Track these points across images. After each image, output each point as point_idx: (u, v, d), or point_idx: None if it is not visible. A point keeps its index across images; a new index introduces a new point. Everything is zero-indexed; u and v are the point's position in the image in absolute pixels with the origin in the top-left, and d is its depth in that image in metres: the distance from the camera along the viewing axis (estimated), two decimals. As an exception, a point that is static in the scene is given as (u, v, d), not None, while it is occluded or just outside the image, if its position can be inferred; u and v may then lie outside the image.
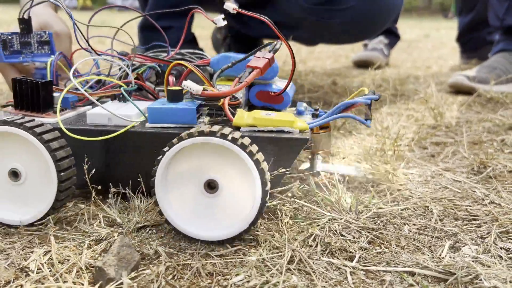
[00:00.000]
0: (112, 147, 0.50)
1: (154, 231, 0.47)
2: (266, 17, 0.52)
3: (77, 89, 0.53)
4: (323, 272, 0.41)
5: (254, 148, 0.42)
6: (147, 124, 0.49)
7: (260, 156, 0.42)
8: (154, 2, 1.13)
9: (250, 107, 0.59)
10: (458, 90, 1.26)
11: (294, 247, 0.44)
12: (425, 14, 10.16)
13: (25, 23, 0.62)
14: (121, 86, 0.54)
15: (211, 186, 0.44)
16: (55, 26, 0.71)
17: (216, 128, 0.42)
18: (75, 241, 0.45)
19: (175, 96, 0.50)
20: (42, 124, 0.46)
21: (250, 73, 0.50)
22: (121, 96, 0.55)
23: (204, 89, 0.48)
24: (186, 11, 0.62)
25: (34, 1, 0.59)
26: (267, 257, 0.43)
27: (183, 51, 0.70)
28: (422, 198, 0.58)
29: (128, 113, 0.50)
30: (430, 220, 0.52)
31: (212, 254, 0.43)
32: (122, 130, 0.48)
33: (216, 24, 0.56)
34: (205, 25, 2.49)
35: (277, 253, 0.44)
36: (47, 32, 0.64)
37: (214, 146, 0.43)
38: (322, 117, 0.52)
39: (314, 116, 0.57)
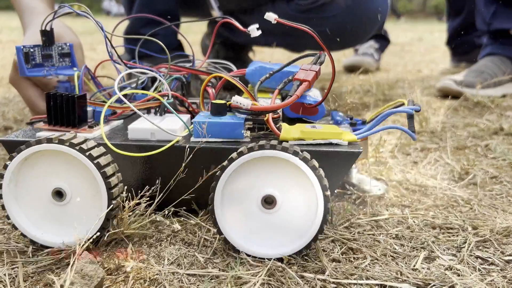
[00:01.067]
0: (156, 162, 0.48)
1: (123, 245, 0.47)
2: (309, 28, 0.50)
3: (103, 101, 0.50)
4: (293, 286, 0.40)
5: (315, 162, 0.41)
6: (192, 139, 0.48)
7: (322, 171, 0.41)
8: (139, 8, 1.13)
9: (284, 119, 0.57)
10: (446, 94, 1.25)
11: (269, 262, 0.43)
12: (419, 17, 10.21)
13: (47, 35, 0.59)
14: (157, 98, 0.52)
15: (268, 201, 0.43)
16: (66, 37, 0.70)
17: (275, 142, 0.41)
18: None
19: (220, 110, 0.48)
20: (88, 140, 0.43)
21: (298, 86, 0.48)
22: (157, 109, 0.53)
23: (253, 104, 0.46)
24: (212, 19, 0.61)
25: (57, 13, 0.57)
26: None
27: (208, 61, 0.68)
28: (401, 207, 0.57)
29: (172, 127, 0.48)
30: (408, 229, 0.51)
31: (180, 270, 0.42)
32: (169, 145, 0.46)
33: (250, 34, 0.55)
34: (197, 30, 2.49)
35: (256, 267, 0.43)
36: (67, 44, 0.62)
37: (271, 160, 0.42)
38: (369, 128, 0.50)
39: (352, 125, 0.56)
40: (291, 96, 0.47)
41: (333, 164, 0.46)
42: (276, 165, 0.42)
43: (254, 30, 0.55)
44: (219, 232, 0.43)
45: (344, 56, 2.26)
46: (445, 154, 0.77)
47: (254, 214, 0.43)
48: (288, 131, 0.48)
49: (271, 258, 0.43)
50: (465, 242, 0.48)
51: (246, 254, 0.43)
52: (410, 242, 0.48)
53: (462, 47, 1.80)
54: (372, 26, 1.11)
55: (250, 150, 0.41)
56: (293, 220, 0.43)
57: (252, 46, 1.51)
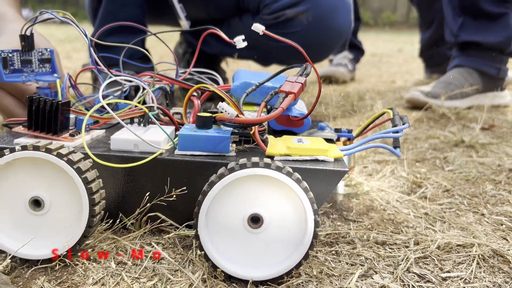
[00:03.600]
0: (138, 175, 0.47)
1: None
2: (293, 42, 0.50)
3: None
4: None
5: (298, 175, 0.40)
6: (176, 151, 0.47)
7: (305, 183, 0.40)
8: (103, 18, 1.12)
9: (269, 131, 0.57)
10: (414, 105, 1.26)
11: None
12: (403, 28, 10.33)
13: (27, 40, 0.58)
14: (142, 109, 0.51)
15: (254, 220, 0.41)
16: (40, 45, 0.68)
17: (267, 160, 0.40)
18: None
19: (205, 123, 0.47)
20: (74, 151, 0.42)
21: (284, 98, 0.48)
22: (141, 119, 0.52)
23: (237, 116, 0.45)
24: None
25: (37, 18, 0.55)
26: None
27: (192, 70, 0.68)
28: (346, 221, 0.56)
29: (156, 139, 0.47)
30: (349, 244, 0.50)
31: (106, 288, 0.41)
32: (152, 157, 0.45)
33: (235, 45, 0.54)
34: (170, 39, 2.48)
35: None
36: (48, 49, 0.60)
37: (255, 176, 0.40)
38: (354, 145, 0.49)
39: (337, 131, 0.57)
40: (276, 108, 0.46)
41: (318, 181, 0.45)
42: (261, 182, 0.41)
43: (240, 42, 0.55)
44: (206, 257, 0.41)
45: (320, 67, 2.27)
46: (402, 166, 0.76)
47: (241, 234, 0.41)
48: (274, 146, 0.47)
49: (260, 281, 0.41)
50: (405, 259, 0.47)
51: (232, 277, 0.41)
52: (350, 259, 0.47)
53: (434, 59, 1.81)
54: (334, 43, 1.11)
55: (243, 166, 0.40)
56: (283, 238, 0.41)
57: (224, 58, 1.51)
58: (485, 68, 1.28)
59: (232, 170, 0.40)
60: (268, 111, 0.56)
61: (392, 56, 3.24)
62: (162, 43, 0.67)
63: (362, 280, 0.43)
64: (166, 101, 0.62)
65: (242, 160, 0.40)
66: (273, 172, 0.40)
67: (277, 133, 0.56)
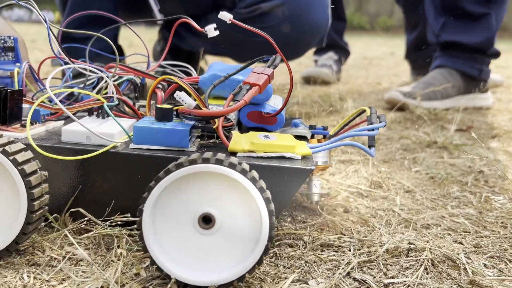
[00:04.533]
0: (90, 169, 0.44)
1: None
2: (265, 33, 0.48)
3: (50, 101, 0.47)
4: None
5: (255, 173, 0.37)
6: (131, 145, 0.44)
7: (261, 182, 0.37)
8: (72, 10, 1.08)
9: (239, 127, 0.54)
10: (393, 105, 1.22)
11: None
12: (399, 32, 10.32)
13: None
14: (100, 100, 0.49)
15: (206, 220, 0.38)
16: (4, 32, 0.65)
17: (209, 154, 0.37)
18: None
19: (165, 115, 0.45)
20: (13, 142, 0.39)
21: (248, 90, 0.45)
22: (100, 111, 0.50)
23: (196, 107, 0.43)
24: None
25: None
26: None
27: (163, 63, 0.66)
28: (295, 222, 0.53)
29: (109, 132, 0.44)
30: (292, 247, 0.47)
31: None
32: (103, 150, 0.42)
33: (207, 34, 0.52)
34: (149, 39, 2.45)
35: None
36: (12, 37, 0.58)
37: (207, 174, 0.37)
38: (325, 143, 0.46)
39: (312, 127, 0.54)
40: (238, 101, 0.43)
41: (283, 179, 0.42)
42: (214, 180, 0.37)
43: (211, 30, 0.52)
44: (152, 262, 0.37)
45: (304, 67, 2.24)
46: (367, 167, 0.73)
47: (192, 237, 0.38)
48: (237, 142, 0.44)
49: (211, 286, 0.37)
50: (348, 263, 0.44)
51: (178, 281, 0.37)
52: (288, 262, 0.44)
53: (420, 60, 1.78)
54: (311, 38, 1.08)
55: (192, 162, 0.36)
56: (236, 240, 0.38)
57: (204, 55, 1.48)
58: (467, 69, 1.25)
59: (180, 165, 0.36)
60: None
61: (383, 59, 3.21)
62: (139, 42, 0.64)
63: (294, 286, 0.40)
64: (135, 93, 0.60)
65: (194, 156, 0.37)
66: (226, 170, 0.36)
67: (252, 131, 0.52)
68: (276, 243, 0.47)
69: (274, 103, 0.55)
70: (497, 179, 0.70)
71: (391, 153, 0.82)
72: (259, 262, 0.37)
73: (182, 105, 0.43)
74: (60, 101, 0.57)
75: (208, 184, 0.37)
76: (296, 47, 1.10)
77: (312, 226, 0.52)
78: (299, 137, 0.51)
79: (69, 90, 0.55)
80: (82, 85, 0.57)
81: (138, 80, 0.58)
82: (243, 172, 0.36)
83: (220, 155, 0.37)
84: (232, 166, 0.36)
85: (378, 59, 3.17)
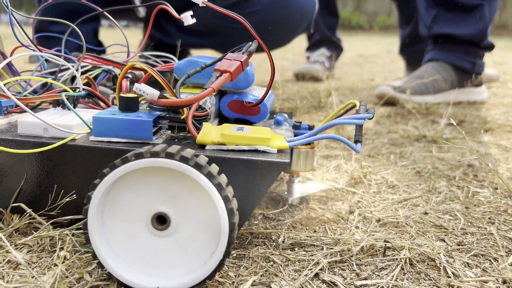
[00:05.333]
0: (47, 163, 0.41)
1: None
2: (241, 17, 0.45)
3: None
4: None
5: (213, 168, 0.33)
6: (91, 137, 0.41)
7: (223, 178, 0.33)
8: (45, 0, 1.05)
9: (222, 119, 0.51)
10: (384, 100, 1.19)
11: None
12: (398, 31, 10.28)
13: None
14: (66, 90, 0.47)
15: (160, 220, 0.34)
16: None
17: (160, 147, 0.33)
18: None
19: (129, 105, 0.41)
20: None
21: (218, 77, 0.42)
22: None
23: (162, 97, 0.40)
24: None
25: None
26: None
27: (146, 53, 0.64)
28: (265, 219, 0.49)
29: (67, 123, 0.41)
30: (259, 246, 0.43)
31: None
32: (58, 144, 0.39)
33: (183, 21, 0.50)
34: (134, 37, 2.42)
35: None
36: None
37: (160, 169, 0.33)
38: (304, 136, 0.43)
39: (296, 127, 0.50)
40: (206, 89, 0.40)
41: (254, 174, 0.39)
42: (168, 176, 0.34)
43: (187, 17, 0.50)
44: (94, 256, 0.34)
45: (298, 65, 2.21)
46: (350, 162, 0.69)
47: (143, 237, 0.34)
48: (207, 133, 0.40)
49: None
50: (317, 263, 0.40)
51: (123, 284, 0.34)
52: (253, 263, 0.40)
53: (414, 56, 1.74)
54: (297, 23, 1.05)
55: (139, 156, 0.33)
56: (193, 244, 0.34)
57: (188, 50, 1.45)
58: (459, 62, 1.22)
59: (126, 160, 0.33)
60: (223, 95, 0.50)
61: (380, 57, 3.17)
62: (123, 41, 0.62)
63: (255, 289, 0.36)
64: (113, 85, 0.58)
65: (144, 149, 0.33)
66: (176, 164, 0.32)
67: (235, 123, 0.49)
68: (245, 243, 0.44)
69: (259, 93, 0.51)
70: (487, 174, 0.66)
71: (377, 148, 0.78)
72: (210, 277, 0.33)
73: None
74: (34, 91, 0.54)
75: (167, 181, 0.34)
76: (283, 33, 1.06)
77: (284, 224, 0.48)
78: None
79: (25, 77, 0.53)
80: (54, 76, 0.55)
81: (117, 71, 0.56)
82: (197, 166, 0.32)
83: (173, 148, 0.33)
84: (184, 160, 0.32)
85: (374, 56, 3.13)
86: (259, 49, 0.50)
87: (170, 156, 0.32)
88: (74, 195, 0.41)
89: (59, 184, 0.42)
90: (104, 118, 0.40)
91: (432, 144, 0.81)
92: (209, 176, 0.32)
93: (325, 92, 1.36)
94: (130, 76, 0.51)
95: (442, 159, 0.73)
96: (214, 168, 0.33)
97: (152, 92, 0.40)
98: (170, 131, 0.45)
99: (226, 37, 1.09)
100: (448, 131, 0.89)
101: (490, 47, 1.24)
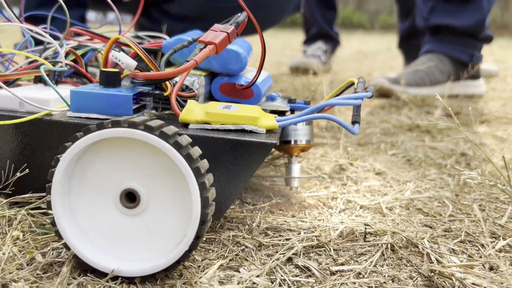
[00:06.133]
0: (24, 139, 0.39)
1: None
2: None
3: None
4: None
5: (195, 151, 0.30)
6: (69, 113, 0.39)
7: (203, 164, 0.30)
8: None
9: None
10: (380, 93, 1.16)
11: None
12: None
13: None
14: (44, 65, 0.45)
15: (130, 198, 0.32)
16: None
17: (140, 118, 0.30)
18: None
19: (110, 80, 0.39)
20: None
21: (201, 49, 0.39)
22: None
23: (139, 69, 0.38)
24: None
25: None
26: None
27: (140, 34, 0.62)
28: (242, 204, 0.46)
29: (44, 98, 0.39)
30: (233, 230, 0.41)
31: None
32: (30, 118, 0.38)
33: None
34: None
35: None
36: None
37: (139, 144, 0.31)
38: (296, 115, 0.40)
39: (291, 102, 0.48)
40: (188, 61, 0.38)
41: (240, 155, 0.37)
42: (136, 148, 0.31)
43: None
44: (58, 235, 0.31)
45: (292, 58, 2.18)
46: (338, 149, 0.67)
47: (110, 213, 0.32)
48: (191, 111, 0.38)
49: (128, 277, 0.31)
50: (291, 248, 0.37)
51: (92, 269, 0.31)
52: (223, 248, 0.37)
53: (413, 50, 1.71)
54: (287, 1, 1.02)
55: (100, 127, 0.30)
56: (162, 227, 0.31)
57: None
58: (457, 54, 1.19)
59: (101, 126, 0.30)
60: (214, 76, 0.47)
61: (379, 54, 3.14)
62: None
63: (222, 273, 0.34)
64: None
65: (123, 118, 0.31)
66: (154, 139, 0.29)
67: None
68: (216, 227, 0.41)
69: (253, 75, 0.49)
70: (480, 162, 0.63)
71: (368, 136, 0.75)
72: (171, 268, 0.31)
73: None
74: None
75: (143, 157, 0.31)
76: (271, 12, 1.03)
77: (263, 208, 0.46)
78: (276, 112, 0.45)
79: (5, 50, 0.51)
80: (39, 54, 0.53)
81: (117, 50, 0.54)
82: (163, 136, 0.30)
83: (155, 122, 0.30)
84: (149, 129, 0.30)
85: (373, 54, 3.09)
86: (250, 31, 0.46)
87: (149, 129, 0.30)
88: (38, 172, 0.39)
89: (33, 161, 0.39)
90: (82, 92, 0.38)
91: (425, 134, 0.78)
92: (188, 158, 0.30)
93: (319, 85, 1.33)
94: (117, 50, 0.49)
95: (435, 148, 0.70)
96: (196, 151, 0.31)
97: (128, 62, 0.38)
98: (155, 110, 0.43)
99: (212, 19, 1.08)
100: (442, 122, 0.87)
101: (489, 39, 1.21)
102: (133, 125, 0.30)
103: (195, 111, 0.38)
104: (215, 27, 0.42)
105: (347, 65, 2.15)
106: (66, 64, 0.46)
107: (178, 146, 0.29)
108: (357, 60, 2.55)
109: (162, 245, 0.31)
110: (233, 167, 0.37)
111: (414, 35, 1.64)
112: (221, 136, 0.36)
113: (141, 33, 0.64)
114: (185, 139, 0.30)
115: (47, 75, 0.45)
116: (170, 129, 0.30)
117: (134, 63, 0.38)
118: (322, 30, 1.79)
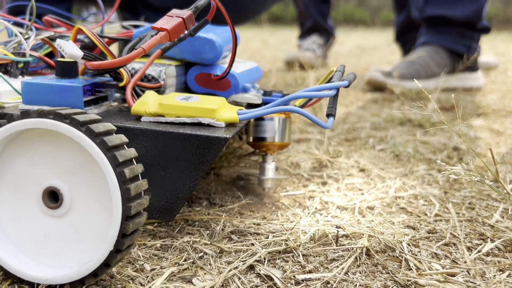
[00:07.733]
0: None
1: None
2: None
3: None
4: None
5: (113, 138, 0.27)
6: (21, 106, 0.36)
7: (122, 152, 0.27)
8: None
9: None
10: (374, 86, 1.12)
11: None
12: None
13: None
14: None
15: (54, 198, 0.28)
16: None
17: (66, 110, 0.27)
18: None
19: (65, 71, 0.37)
20: None
21: (152, 36, 0.36)
22: (10, 70, 0.43)
23: (87, 58, 0.36)
24: None
25: None
26: None
27: (126, 24, 0.60)
28: (210, 205, 0.43)
29: None
30: (193, 235, 0.37)
31: None
32: None
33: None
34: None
35: None
36: None
37: (59, 138, 0.28)
38: (261, 108, 0.36)
39: (266, 94, 0.45)
40: (136, 49, 0.35)
41: (192, 151, 0.34)
42: (67, 145, 0.28)
43: None
44: None
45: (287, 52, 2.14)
46: (322, 146, 0.63)
47: (33, 215, 0.29)
48: (144, 103, 0.35)
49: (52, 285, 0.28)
50: (252, 255, 0.34)
51: (19, 279, 0.28)
52: (179, 255, 0.34)
53: (410, 43, 1.67)
54: None
55: (11, 119, 0.27)
56: (84, 230, 0.28)
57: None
58: (453, 45, 1.14)
59: (11, 119, 0.27)
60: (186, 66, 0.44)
61: (378, 49, 3.09)
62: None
63: (171, 284, 0.30)
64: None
65: (33, 108, 0.29)
66: (63, 127, 0.26)
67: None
68: (174, 231, 0.37)
69: (237, 68, 0.45)
70: (474, 157, 0.59)
71: (357, 131, 0.71)
72: (97, 273, 0.27)
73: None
74: None
75: (66, 151, 0.28)
76: (255, 2, 1.00)
77: (231, 210, 0.42)
78: (250, 105, 0.42)
79: None
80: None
81: (86, 40, 0.51)
82: (73, 122, 0.26)
83: (65, 110, 0.27)
84: (74, 123, 0.26)
85: (372, 49, 3.05)
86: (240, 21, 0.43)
87: (58, 117, 0.26)
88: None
89: None
90: (33, 83, 0.35)
91: (417, 128, 0.74)
92: (102, 145, 0.26)
93: (315, 79, 1.29)
94: (86, 41, 0.46)
95: (426, 143, 0.66)
96: (115, 138, 0.27)
97: (71, 52, 0.35)
98: (116, 103, 0.40)
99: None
100: (436, 116, 0.83)
101: (486, 30, 1.17)
102: (42, 114, 0.26)
103: (148, 103, 0.35)
104: (172, 12, 0.38)
105: (344, 60, 2.11)
106: (30, 55, 0.43)
107: (90, 133, 0.26)
108: (355, 55, 2.50)
109: (89, 247, 0.28)
110: (184, 163, 0.34)
111: (410, 28, 1.59)
112: (170, 130, 0.33)
113: (125, 23, 0.62)
114: (102, 126, 0.27)
115: (10, 66, 0.43)
116: (85, 116, 0.27)
117: (79, 53, 0.35)
118: (317, 24, 1.75)
